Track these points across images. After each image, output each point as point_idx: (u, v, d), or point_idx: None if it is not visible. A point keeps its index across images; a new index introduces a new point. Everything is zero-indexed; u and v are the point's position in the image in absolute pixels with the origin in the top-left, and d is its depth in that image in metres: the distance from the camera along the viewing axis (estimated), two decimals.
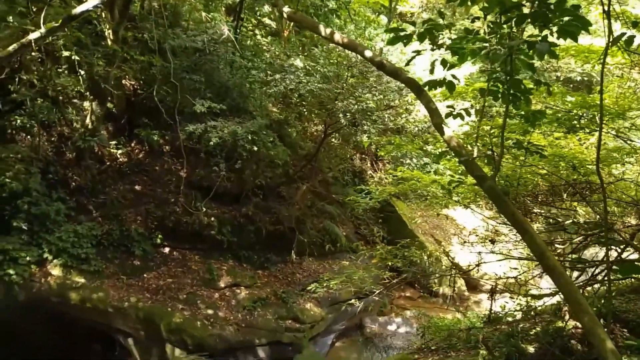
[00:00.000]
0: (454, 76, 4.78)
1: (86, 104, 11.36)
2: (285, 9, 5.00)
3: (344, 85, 9.89)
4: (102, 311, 10.48)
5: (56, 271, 10.38)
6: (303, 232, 13.31)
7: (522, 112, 4.23)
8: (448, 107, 4.56)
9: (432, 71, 4.31)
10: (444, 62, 4.61)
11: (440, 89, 4.89)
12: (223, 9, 15.07)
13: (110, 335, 11.00)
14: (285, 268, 13.45)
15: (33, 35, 5.79)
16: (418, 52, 4.37)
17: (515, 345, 7.11)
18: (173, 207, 11.96)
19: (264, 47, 12.33)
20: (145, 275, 11.42)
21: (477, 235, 13.27)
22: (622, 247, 5.40)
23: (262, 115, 12.16)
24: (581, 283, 7.32)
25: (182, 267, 11.98)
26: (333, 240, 14.02)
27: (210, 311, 11.33)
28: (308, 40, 12.67)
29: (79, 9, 5.98)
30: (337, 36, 4.65)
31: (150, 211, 11.82)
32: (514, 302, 9.45)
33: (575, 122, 5.23)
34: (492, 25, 4.54)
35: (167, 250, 12.05)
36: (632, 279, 7.70)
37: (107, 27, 10.74)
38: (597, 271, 6.36)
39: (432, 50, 4.52)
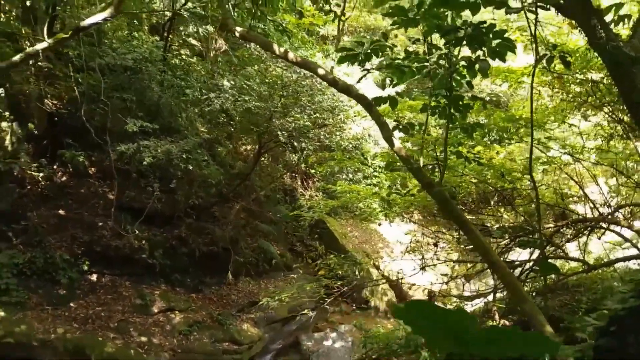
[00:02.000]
0: (397, 93, 5.20)
1: (4, 124, 10.67)
2: (238, 28, 5.17)
3: (280, 104, 10.13)
4: (26, 346, 9.73)
5: None
6: (238, 252, 13.26)
7: (461, 125, 4.70)
8: (395, 121, 4.93)
9: (383, 87, 4.68)
10: (391, 80, 5.01)
11: (385, 105, 5.29)
12: (146, 27, 14.88)
13: None
14: (220, 290, 13.27)
15: (40, 46, 5.55)
16: (367, 71, 4.72)
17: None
18: (101, 231, 11.46)
19: (194, 67, 12.30)
20: (72, 304, 10.78)
21: (406, 245, 13.91)
22: (545, 246, 6.03)
23: (192, 135, 12.08)
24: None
25: (112, 293, 11.45)
26: (268, 259, 14.07)
27: (143, 338, 10.90)
28: (238, 59, 12.82)
29: (87, 21, 5.81)
30: (291, 55, 4.89)
31: (77, 236, 11.23)
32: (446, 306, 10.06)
33: (503, 134, 5.87)
34: (430, 47, 5.02)
35: (95, 277, 11.47)
36: (549, 279, 8.53)
37: (28, 44, 10.26)
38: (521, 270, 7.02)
39: (378, 69, 4.90)
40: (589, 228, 6.23)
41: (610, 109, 5.62)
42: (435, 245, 12.27)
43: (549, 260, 6.94)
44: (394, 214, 9.17)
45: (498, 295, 7.92)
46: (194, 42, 15.75)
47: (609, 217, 6.31)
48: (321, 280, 12.53)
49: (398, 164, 6.17)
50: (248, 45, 10.85)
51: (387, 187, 7.41)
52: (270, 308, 13.63)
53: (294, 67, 9.96)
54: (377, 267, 14.27)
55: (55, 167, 11.63)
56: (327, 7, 5.44)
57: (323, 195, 15.34)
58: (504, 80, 6.52)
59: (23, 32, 10.36)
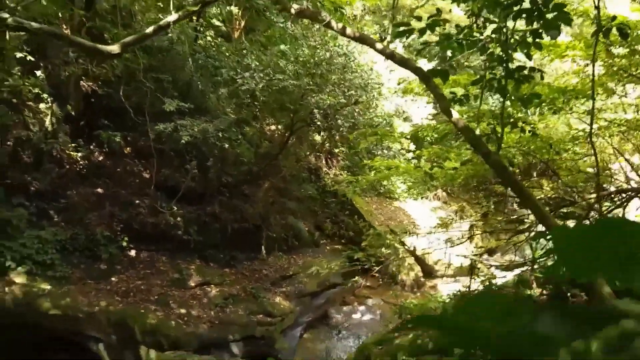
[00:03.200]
0: (451, 65, 5.37)
1: (42, 105, 10.96)
2: (295, 5, 5.35)
3: (313, 82, 10.30)
4: (72, 318, 10.17)
5: (20, 279, 9.95)
6: (268, 229, 13.57)
7: (518, 96, 4.87)
8: (450, 92, 5.12)
9: (443, 60, 4.85)
10: (442, 53, 5.18)
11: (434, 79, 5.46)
12: (172, 11, 15.00)
13: (78, 342, 10.67)
14: (252, 265, 13.63)
15: (171, 18, 5.85)
16: (427, 44, 4.89)
17: None
18: (138, 209, 11.81)
19: (224, 48, 12.47)
20: (113, 278, 11.20)
21: (433, 221, 14.14)
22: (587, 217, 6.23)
23: (222, 115, 12.30)
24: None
25: (150, 268, 11.85)
26: (297, 236, 14.38)
27: (183, 310, 11.31)
28: (264, 40, 12.96)
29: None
30: (349, 30, 5.08)
31: (115, 214, 11.59)
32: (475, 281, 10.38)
33: (560, 104, 6.06)
34: (485, 21, 5.17)
35: (133, 252, 11.86)
36: None
37: (66, 27, 10.48)
38: None
39: (437, 43, 5.07)
40: (629, 198, 6.41)
41: None
42: (463, 218, 12.46)
43: None
44: (433, 188, 9.37)
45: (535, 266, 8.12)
46: (217, 23, 15.87)
47: None
48: (349, 255, 12.87)
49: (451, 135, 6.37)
50: (279, 25, 10.96)
51: (424, 161, 7.60)
52: (300, 282, 14.04)
53: (326, 45, 10.14)
54: (403, 243, 14.52)
55: (92, 147, 11.95)
56: None
57: (347, 173, 15.56)
58: (547, 54, 6.66)
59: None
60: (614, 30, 4.60)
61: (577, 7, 6.20)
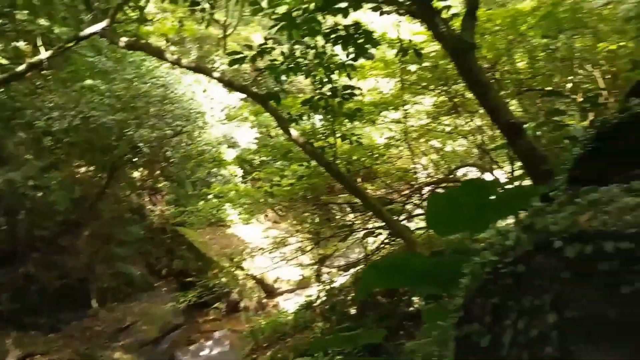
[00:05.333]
0: (279, 90, 5.86)
1: None
2: (123, 38, 5.19)
3: (136, 115, 9.88)
4: None
5: None
6: (95, 281, 12.46)
7: (344, 112, 5.55)
8: (288, 114, 5.59)
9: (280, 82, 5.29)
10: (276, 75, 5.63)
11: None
12: None
13: None
14: (82, 323, 12.30)
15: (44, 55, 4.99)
16: (260, 70, 5.28)
17: (340, 311, 8.56)
18: None
19: (16, 86, 11.17)
20: None
21: (267, 242, 14.62)
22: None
23: (22, 162, 11.00)
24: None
25: None
26: (129, 282, 13.45)
27: None
28: (67, 75, 11.97)
29: (87, 31, 5.19)
30: (184, 61, 5.15)
31: None
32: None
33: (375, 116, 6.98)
34: (308, 48, 5.79)
35: None
36: None
37: None
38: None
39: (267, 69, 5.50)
40: (433, 189, 7.70)
41: (445, 89, 7.12)
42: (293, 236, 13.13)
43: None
44: (268, 208, 9.77)
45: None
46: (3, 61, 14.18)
47: (451, 176, 7.92)
48: (186, 294, 12.57)
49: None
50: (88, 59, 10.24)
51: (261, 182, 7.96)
52: (139, 331, 13.09)
53: (142, 78, 9.85)
54: (242, 269, 14.66)
55: None
56: (203, 15, 5.72)
57: (175, 207, 15.15)
58: (357, 74, 7.64)
59: None
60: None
61: (382, 32, 7.33)
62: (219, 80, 5.36)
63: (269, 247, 14.33)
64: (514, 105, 11.86)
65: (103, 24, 5.23)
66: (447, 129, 9.15)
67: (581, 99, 6.02)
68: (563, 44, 7.97)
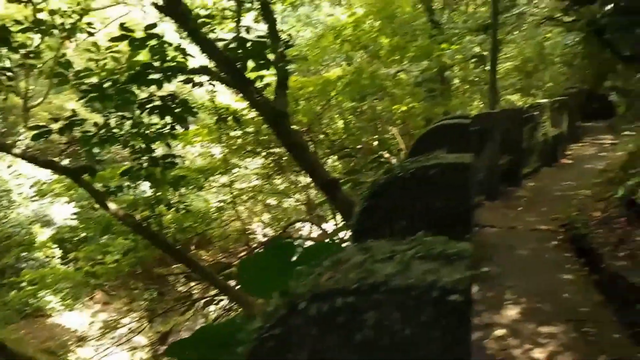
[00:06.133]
0: (99, 161, 5.56)
1: None
2: None
3: None
4: None
5: None
6: None
7: (168, 180, 5.45)
8: (104, 186, 5.29)
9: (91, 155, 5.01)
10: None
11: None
12: None
13: None
14: None
15: None
16: (68, 143, 4.95)
17: None
18: None
19: None
20: None
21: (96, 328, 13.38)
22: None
23: None
24: None
25: None
26: None
27: None
28: None
29: None
30: None
31: None
32: None
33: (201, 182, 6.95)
34: (123, 117, 5.65)
35: None
36: None
37: None
38: None
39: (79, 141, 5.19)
40: None
41: (266, 152, 7.44)
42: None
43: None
44: (94, 289, 8.90)
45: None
46: None
47: (285, 232, 8.18)
48: None
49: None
50: None
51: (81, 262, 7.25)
52: None
53: None
54: None
55: None
56: None
57: None
58: (180, 141, 7.59)
59: None
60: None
61: (200, 100, 7.45)
62: (21, 157, 4.89)
63: (98, 334, 13.15)
64: (337, 162, 12.94)
65: None
66: (282, 187, 9.55)
67: (372, 157, 6.82)
68: (368, 107, 9.05)
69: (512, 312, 3.46)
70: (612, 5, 13.32)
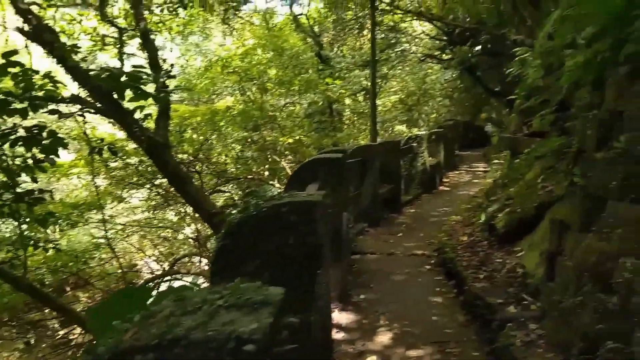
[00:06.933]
0: None
1: None
2: None
3: None
4: None
5: None
6: None
7: (34, 217, 5.00)
8: None
9: None
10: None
11: None
12: None
13: None
14: None
15: None
16: None
17: None
18: None
19: None
20: None
21: None
22: None
23: None
24: None
25: None
26: None
27: None
28: None
29: None
30: None
31: None
32: None
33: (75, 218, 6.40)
34: None
35: None
36: None
37: None
38: None
39: None
40: (156, 284, 7.49)
41: (150, 185, 7.13)
42: None
43: None
44: None
45: None
46: None
47: (174, 268, 7.83)
48: None
49: None
50: None
51: None
52: None
53: None
54: None
55: None
56: None
57: None
58: (53, 174, 7.00)
59: None
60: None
61: (72, 129, 7.00)
62: None
63: None
64: (233, 190, 12.76)
65: None
66: (172, 219, 9.17)
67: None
68: (259, 137, 9.08)
69: (384, 337, 3.61)
70: (480, 47, 14.87)
